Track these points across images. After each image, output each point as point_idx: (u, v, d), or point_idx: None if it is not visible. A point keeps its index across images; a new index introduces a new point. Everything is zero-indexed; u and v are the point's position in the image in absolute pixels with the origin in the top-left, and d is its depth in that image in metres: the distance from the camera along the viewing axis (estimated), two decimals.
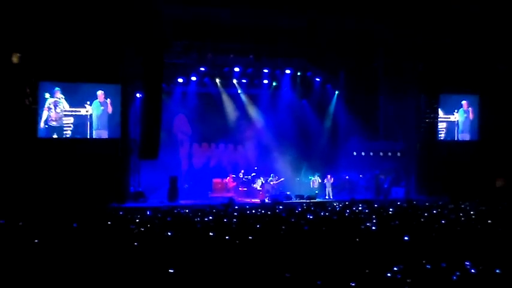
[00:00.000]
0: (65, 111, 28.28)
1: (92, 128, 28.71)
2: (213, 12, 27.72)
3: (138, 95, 31.12)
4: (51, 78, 28.11)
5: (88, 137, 28.75)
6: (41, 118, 27.90)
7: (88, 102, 28.60)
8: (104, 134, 28.97)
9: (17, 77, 27.18)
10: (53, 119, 28.10)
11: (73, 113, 28.45)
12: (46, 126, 28.05)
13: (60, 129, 28.27)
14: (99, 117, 28.78)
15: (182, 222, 18.05)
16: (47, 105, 28.01)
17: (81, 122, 28.55)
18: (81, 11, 26.74)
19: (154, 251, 12.85)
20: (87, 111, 28.58)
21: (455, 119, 34.62)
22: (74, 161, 27.94)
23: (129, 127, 29.69)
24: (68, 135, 28.40)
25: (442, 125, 34.21)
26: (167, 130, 32.32)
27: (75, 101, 28.52)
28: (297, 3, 26.90)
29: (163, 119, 29.70)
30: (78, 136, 28.56)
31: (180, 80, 33.02)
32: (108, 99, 28.76)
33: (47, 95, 27.93)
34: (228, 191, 32.85)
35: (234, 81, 34.62)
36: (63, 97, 28.24)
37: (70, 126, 28.38)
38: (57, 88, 28.20)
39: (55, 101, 28.11)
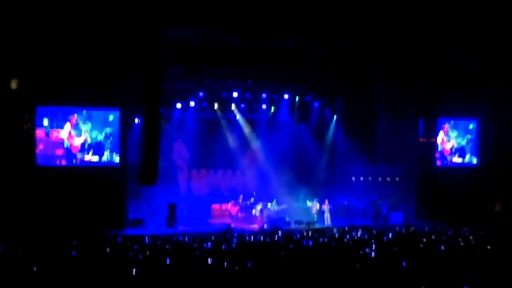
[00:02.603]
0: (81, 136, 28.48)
1: (105, 150, 28.81)
2: (212, 36, 27.75)
3: (136, 120, 31.07)
4: (49, 103, 28.06)
5: (104, 159, 28.77)
6: (37, 143, 27.84)
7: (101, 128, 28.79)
8: (116, 158, 29.02)
9: (15, 102, 27.19)
10: (70, 143, 28.20)
11: (88, 138, 28.54)
12: (63, 150, 28.12)
13: (74, 153, 28.36)
14: (110, 142, 28.92)
15: (181, 249, 18.06)
16: (64, 129, 28.10)
17: (96, 146, 28.65)
18: (80, 35, 26.77)
19: (153, 278, 12.84)
20: (99, 136, 28.70)
21: (457, 143, 34.67)
22: (73, 188, 27.85)
23: (128, 153, 29.65)
24: (84, 159, 28.50)
25: (444, 148, 34.28)
26: (166, 156, 32.17)
27: (89, 125, 28.61)
28: (296, 28, 26.96)
29: (162, 145, 29.61)
30: (93, 160, 28.60)
31: (179, 105, 32.98)
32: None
33: (45, 121, 27.92)
34: (227, 217, 32.74)
35: (233, 106, 34.63)
36: (81, 120, 28.40)
37: (85, 150, 28.49)
38: (73, 114, 28.27)
39: (71, 126, 28.23)
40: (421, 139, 33.44)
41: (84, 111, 28.59)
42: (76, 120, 28.48)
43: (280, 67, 31.08)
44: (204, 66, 30.65)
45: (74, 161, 28.43)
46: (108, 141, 28.87)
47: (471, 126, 34.95)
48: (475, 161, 34.97)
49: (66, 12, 25.28)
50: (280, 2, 25.16)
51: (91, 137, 28.61)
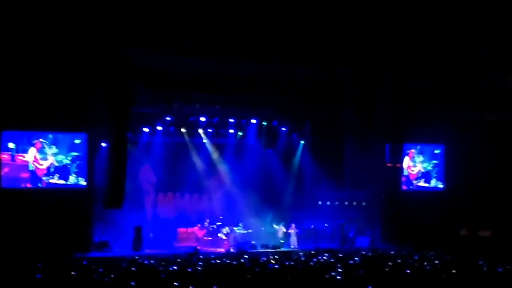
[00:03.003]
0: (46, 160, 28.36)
1: (70, 173, 28.75)
2: (180, 62, 27.75)
3: (103, 144, 30.95)
4: (15, 127, 27.94)
5: (67, 182, 28.67)
6: (2, 166, 27.78)
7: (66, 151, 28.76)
8: (81, 181, 28.92)
9: None
10: (35, 166, 28.11)
11: (52, 161, 28.46)
12: (28, 174, 28.10)
13: (39, 177, 28.29)
14: (75, 166, 28.82)
15: (147, 272, 17.97)
16: (28, 153, 28.12)
17: (60, 170, 28.60)
18: (47, 60, 26.71)
19: None
20: (63, 160, 28.65)
21: (423, 168, 34.98)
22: (38, 210, 27.70)
23: (94, 176, 29.51)
24: (46, 182, 28.38)
25: (410, 173, 34.57)
26: (133, 179, 32.05)
27: (54, 149, 28.55)
28: (264, 54, 27.06)
29: (128, 169, 29.49)
30: (56, 183, 28.52)
31: (146, 130, 32.96)
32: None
33: (11, 145, 27.80)
34: (193, 240, 32.64)
35: (200, 130, 34.61)
36: (45, 147, 28.28)
37: (49, 174, 28.45)
38: (38, 139, 28.26)
39: (36, 151, 28.15)
40: (387, 164, 33.61)
41: (50, 135, 28.55)
42: (41, 144, 28.41)
43: (248, 92, 31.11)
44: (173, 91, 30.63)
45: (40, 184, 28.32)
46: (75, 164, 28.82)
47: (437, 151, 35.26)
48: (440, 185, 35.23)
49: (33, 36, 25.21)
50: (248, 29, 25.23)
51: (57, 161, 28.54)
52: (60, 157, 28.61)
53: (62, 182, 28.61)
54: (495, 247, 28.57)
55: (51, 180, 28.47)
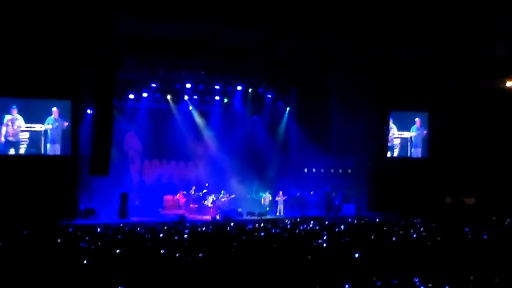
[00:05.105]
0: (21, 127, 28.14)
1: (47, 143, 28.51)
2: (165, 28, 27.56)
3: (89, 111, 30.81)
4: (2, 93, 27.75)
5: (42, 152, 28.50)
6: None
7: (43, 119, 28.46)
8: (58, 149, 28.71)
9: None
10: (11, 134, 27.93)
11: (29, 129, 28.25)
12: (4, 140, 27.87)
13: (17, 144, 28.09)
14: (52, 133, 28.57)
15: (133, 240, 17.95)
16: (5, 121, 27.88)
17: (36, 138, 28.35)
18: (33, 26, 26.46)
19: (104, 269, 12.74)
20: (41, 127, 28.37)
21: (409, 136, 34.94)
22: (24, 178, 27.62)
23: (80, 143, 29.38)
24: (23, 150, 28.20)
25: (396, 141, 34.57)
26: (118, 147, 32.09)
27: (30, 117, 28.32)
28: (249, 20, 26.88)
29: (114, 136, 29.43)
30: (33, 151, 28.35)
31: (131, 96, 32.89)
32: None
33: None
34: (179, 207, 32.68)
35: (186, 97, 34.54)
36: (19, 114, 28.07)
37: (26, 141, 28.20)
38: (14, 106, 28.00)
39: (12, 118, 27.91)
40: (373, 131, 33.70)
41: (35, 102, 28.37)
42: (33, 111, 28.32)
43: (234, 59, 31.01)
44: (158, 57, 30.49)
45: (31, 150, 28.23)
46: (60, 131, 28.62)
47: (422, 119, 35.22)
48: (425, 153, 35.26)
49: (17, 2, 24.94)
50: None
51: (43, 128, 28.40)
52: (46, 124, 28.46)
53: (53, 146, 28.61)
54: (480, 214, 28.66)
55: (37, 147, 28.40)
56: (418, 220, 24.99)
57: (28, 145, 28.26)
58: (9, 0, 24.65)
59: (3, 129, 27.87)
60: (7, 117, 27.96)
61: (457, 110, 34.56)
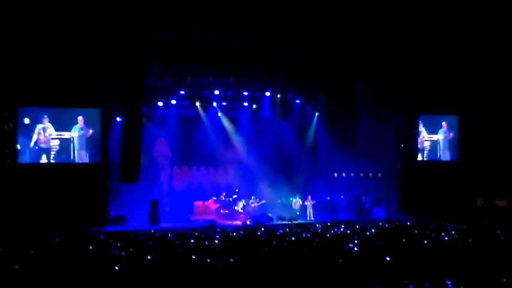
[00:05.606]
0: (52, 135, 28.39)
1: (75, 150, 28.71)
2: (192, 34, 27.64)
3: (118, 118, 30.99)
4: (30, 103, 27.98)
5: (72, 158, 28.73)
6: (21, 143, 27.86)
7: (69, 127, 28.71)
8: (85, 157, 28.89)
9: None
10: (42, 141, 28.20)
11: (59, 137, 28.49)
12: (36, 148, 28.10)
13: (48, 150, 28.34)
14: (79, 141, 28.75)
15: (164, 246, 18.00)
16: (37, 130, 28.12)
17: (66, 144, 28.56)
18: (61, 35, 26.65)
19: (136, 275, 12.79)
20: (70, 135, 28.59)
21: (437, 138, 34.75)
22: (54, 185, 27.83)
23: (109, 151, 29.55)
24: (54, 157, 28.45)
25: (426, 144, 34.43)
26: (148, 153, 32.23)
27: (59, 126, 28.55)
28: (278, 27, 26.89)
29: (143, 143, 29.54)
30: (63, 156, 28.59)
31: (160, 104, 33.01)
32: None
33: (27, 120, 27.87)
34: (210, 213, 32.74)
35: (214, 104, 34.62)
36: (50, 123, 28.33)
37: (57, 148, 28.45)
38: (45, 116, 28.27)
39: (44, 127, 28.20)
40: (402, 134, 33.63)
41: (64, 110, 28.60)
42: (61, 120, 28.53)
43: (262, 65, 31.07)
44: (185, 64, 30.58)
45: (56, 159, 28.39)
46: (84, 139, 28.81)
47: (449, 122, 35.02)
48: (454, 156, 35.06)
49: (46, 11, 25.09)
50: (262, 3, 25.05)
51: (73, 136, 28.58)
52: (76, 132, 28.64)
53: (80, 153, 28.80)
54: None
55: (72, 153, 28.66)
56: (449, 223, 24.85)
57: (58, 152, 28.46)
58: (39, 11, 24.83)
59: (35, 137, 28.09)
60: (39, 126, 28.19)
61: (487, 112, 34.34)
